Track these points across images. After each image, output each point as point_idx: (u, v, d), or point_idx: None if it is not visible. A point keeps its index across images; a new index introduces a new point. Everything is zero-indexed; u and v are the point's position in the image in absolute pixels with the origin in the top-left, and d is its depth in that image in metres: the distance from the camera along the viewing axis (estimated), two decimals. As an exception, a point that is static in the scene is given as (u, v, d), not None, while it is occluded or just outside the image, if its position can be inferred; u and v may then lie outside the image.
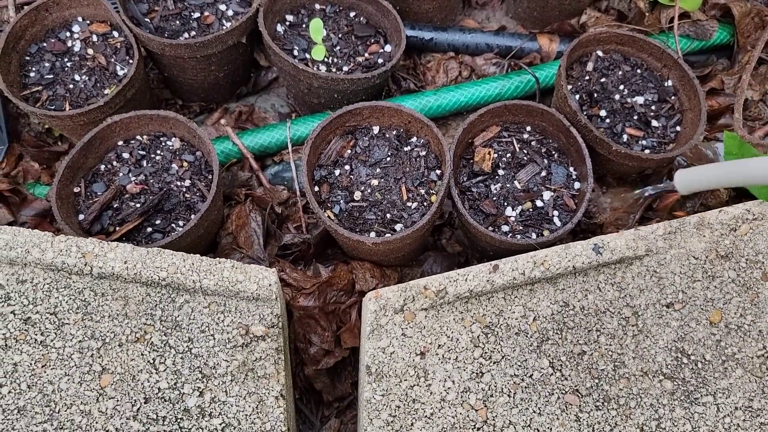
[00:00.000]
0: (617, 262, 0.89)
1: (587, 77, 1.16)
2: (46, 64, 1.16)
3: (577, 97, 1.14)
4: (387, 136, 1.11)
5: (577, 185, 1.08)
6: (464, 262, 1.21)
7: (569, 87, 1.14)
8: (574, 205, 1.07)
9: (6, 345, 0.85)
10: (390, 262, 1.13)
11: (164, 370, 0.86)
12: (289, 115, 1.34)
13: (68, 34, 1.20)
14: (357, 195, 1.06)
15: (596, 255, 0.88)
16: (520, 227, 1.05)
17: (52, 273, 0.89)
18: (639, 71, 1.17)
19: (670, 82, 1.16)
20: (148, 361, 0.86)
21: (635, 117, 1.13)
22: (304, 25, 1.25)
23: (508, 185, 1.09)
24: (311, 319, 1.06)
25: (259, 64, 1.36)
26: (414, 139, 1.11)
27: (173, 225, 1.04)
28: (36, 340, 0.86)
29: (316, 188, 1.07)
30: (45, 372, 0.84)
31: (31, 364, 0.84)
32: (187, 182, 1.06)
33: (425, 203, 1.05)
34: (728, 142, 1.08)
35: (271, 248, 1.14)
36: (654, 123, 1.13)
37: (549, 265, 0.87)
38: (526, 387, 0.84)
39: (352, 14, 1.28)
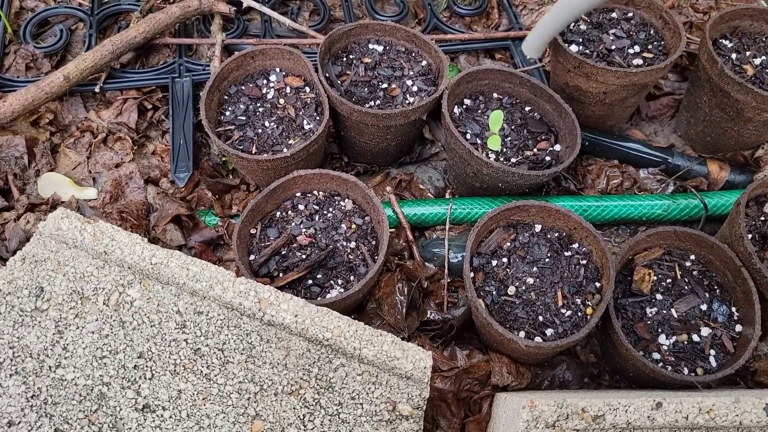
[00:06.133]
0: (786, 427, 0.85)
1: (762, 218, 1.14)
2: (241, 106, 1.26)
3: (750, 236, 1.12)
4: (548, 236, 1.12)
5: (738, 328, 1.05)
6: (597, 374, 1.19)
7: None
8: (733, 348, 1.03)
9: (175, 371, 0.91)
10: (526, 360, 1.13)
11: (312, 429, 0.88)
12: (444, 190, 1.38)
13: (265, 81, 1.29)
14: (511, 290, 1.07)
15: (767, 416, 0.84)
16: (672, 358, 1.03)
17: (226, 311, 0.95)
18: (819, 222, 1.14)
19: None
20: (299, 417, 0.89)
21: (809, 269, 1.09)
22: (479, 111, 1.30)
23: (664, 311, 1.07)
24: (443, 403, 1.07)
25: (423, 136, 1.41)
26: (576, 245, 1.11)
27: (332, 282, 1.08)
28: (202, 372, 0.91)
29: (472, 275, 1.09)
30: (204, 405, 0.89)
31: (193, 394, 0.89)
32: (353, 244, 1.11)
33: (579, 313, 1.04)
34: None
35: (412, 321, 1.16)
36: (829, 279, 1.09)
37: (715, 415, 0.84)
38: None
39: (527, 108, 1.31)
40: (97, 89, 1.36)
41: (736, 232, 1.07)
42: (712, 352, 1.03)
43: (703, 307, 1.07)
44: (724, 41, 1.32)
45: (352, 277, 1.09)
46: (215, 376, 0.91)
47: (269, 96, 1.28)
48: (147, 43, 1.41)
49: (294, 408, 0.90)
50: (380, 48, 1.34)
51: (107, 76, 1.39)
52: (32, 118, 1.33)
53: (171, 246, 1.21)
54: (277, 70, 1.31)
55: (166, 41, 1.44)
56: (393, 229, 1.26)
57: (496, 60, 1.53)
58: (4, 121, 1.25)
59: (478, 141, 1.26)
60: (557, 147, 1.27)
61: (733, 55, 1.29)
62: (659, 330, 1.05)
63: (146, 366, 0.91)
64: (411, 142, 1.38)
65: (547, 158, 1.25)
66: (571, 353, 1.20)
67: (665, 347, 1.04)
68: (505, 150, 1.25)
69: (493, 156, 1.24)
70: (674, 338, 1.04)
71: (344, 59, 1.32)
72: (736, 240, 1.07)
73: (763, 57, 1.29)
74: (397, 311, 1.16)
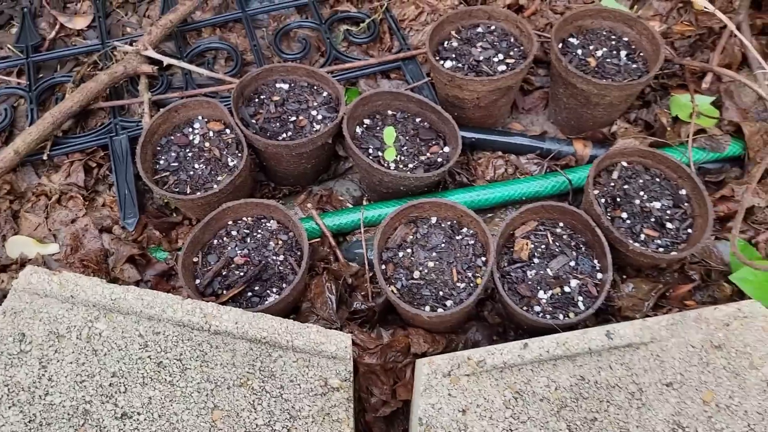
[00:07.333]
0: (626, 346, 1.10)
1: (612, 184, 1.39)
2: (173, 154, 1.46)
3: (603, 200, 1.37)
4: (443, 225, 1.36)
5: (600, 276, 1.29)
6: (502, 332, 1.42)
7: (596, 192, 1.37)
8: (596, 292, 1.28)
9: (144, 382, 1.11)
10: (439, 329, 1.36)
11: (261, 410, 1.10)
12: (362, 198, 1.60)
13: (190, 129, 1.50)
14: (416, 274, 1.30)
15: (608, 340, 1.09)
16: (550, 308, 1.27)
17: (179, 328, 1.15)
18: (657, 180, 1.39)
19: (683, 191, 1.37)
20: (249, 402, 1.10)
21: (652, 220, 1.35)
22: (378, 128, 1.53)
23: (541, 272, 1.31)
24: (373, 374, 1.29)
25: (338, 154, 1.63)
26: (465, 230, 1.35)
27: (268, 291, 1.30)
28: (166, 380, 1.12)
29: (383, 267, 1.31)
30: (172, 405, 1.10)
31: (161, 398, 1.10)
32: (281, 257, 1.33)
33: (472, 284, 1.28)
34: (740, 245, 1.29)
35: (342, 312, 1.38)
36: (668, 225, 1.34)
37: (569, 345, 1.08)
38: (546, 444, 1.05)
39: (417, 120, 1.54)
40: (45, 157, 1.56)
41: (588, 199, 1.32)
42: (580, 298, 1.27)
43: (572, 263, 1.31)
44: (571, 39, 1.57)
45: (284, 285, 1.31)
46: (177, 381, 1.11)
47: (195, 141, 1.48)
48: (83, 110, 1.60)
49: (245, 396, 1.11)
50: (286, 86, 1.56)
51: (52, 143, 1.58)
52: (-9, 191, 1.51)
53: (129, 282, 1.41)
54: (200, 117, 1.51)
55: (100, 105, 1.63)
56: (318, 239, 1.48)
57: (392, 79, 1.76)
58: (-32, 197, 1.44)
59: (379, 153, 1.48)
60: (446, 149, 1.50)
61: (579, 51, 1.54)
62: (538, 287, 1.29)
63: (120, 382, 1.11)
64: (326, 162, 1.60)
65: (439, 159, 1.48)
66: (479, 318, 1.44)
67: (544, 300, 1.28)
68: (402, 158, 1.48)
69: (393, 165, 1.46)
70: (551, 292, 1.28)
71: (256, 100, 1.54)
72: (589, 205, 1.32)
73: (604, 49, 1.54)
74: (329, 307, 1.37)
